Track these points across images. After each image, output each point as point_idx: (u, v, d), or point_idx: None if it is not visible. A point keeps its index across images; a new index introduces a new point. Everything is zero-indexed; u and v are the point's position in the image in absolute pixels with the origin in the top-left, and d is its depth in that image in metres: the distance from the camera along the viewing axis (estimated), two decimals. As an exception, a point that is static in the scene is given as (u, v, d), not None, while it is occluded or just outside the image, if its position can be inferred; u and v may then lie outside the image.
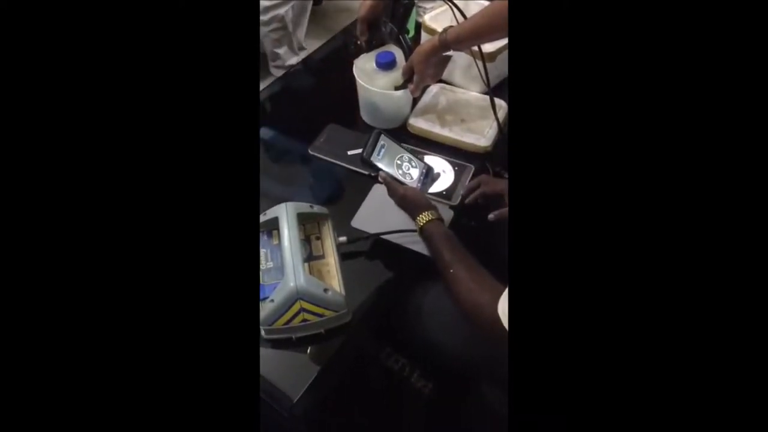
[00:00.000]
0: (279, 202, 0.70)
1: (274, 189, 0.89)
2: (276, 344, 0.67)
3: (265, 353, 0.66)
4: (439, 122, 0.92)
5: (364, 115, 0.95)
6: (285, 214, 0.67)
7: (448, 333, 0.79)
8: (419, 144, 0.91)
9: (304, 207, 0.71)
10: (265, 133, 1.00)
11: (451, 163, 0.86)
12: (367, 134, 0.91)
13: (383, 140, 0.72)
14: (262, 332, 0.65)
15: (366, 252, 0.77)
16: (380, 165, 0.70)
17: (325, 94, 1.08)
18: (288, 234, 0.65)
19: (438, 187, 0.83)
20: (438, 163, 0.87)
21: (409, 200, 0.69)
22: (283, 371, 0.66)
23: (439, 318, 0.79)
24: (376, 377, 0.95)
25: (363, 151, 0.70)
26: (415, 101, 0.94)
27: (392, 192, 0.71)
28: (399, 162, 0.72)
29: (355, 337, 0.73)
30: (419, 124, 0.92)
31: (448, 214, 0.80)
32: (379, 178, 0.74)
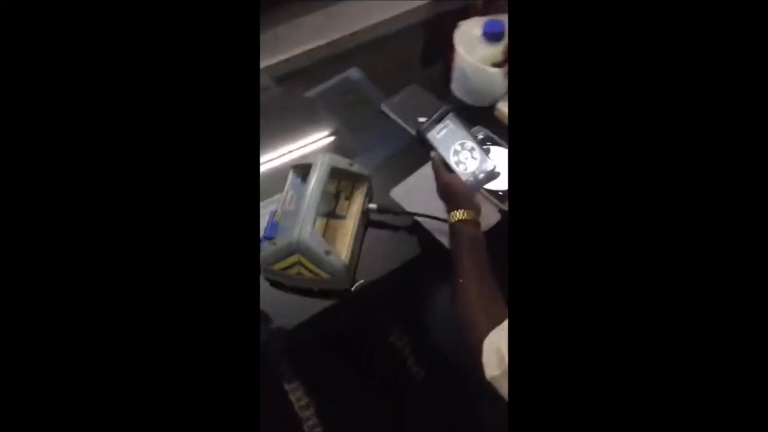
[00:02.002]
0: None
1: (340, 133, 0.87)
2: (274, 284, 0.67)
3: (264, 287, 0.67)
4: (530, 116, 0.82)
5: (453, 84, 0.88)
6: (319, 164, 0.65)
7: (455, 335, 0.75)
8: (499, 132, 0.82)
9: (343, 162, 0.68)
10: (352, 73, 0.96)
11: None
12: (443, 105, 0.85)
13: (450, 120, 0.66)
14: (262, 270, 0.66)
15: (393, 227, 0.74)
16: (435, 145, 0.64)
17: (424, 50, 1.01)
18: (313, 185, 0.63)
19: (498, 185, 0.75)
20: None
21: (450, 190, 0.63)
22: (279, 308, 0.67)
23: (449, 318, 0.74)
24: (373, 346, 0.95)
25: (423, 124, 0.65)
26: (512, 85, 0.85)
27: (437, 176, 0.65)
28: (458, 148, 0.65)
29: (358, 301, 0.71)
30: (507, 110, 0.83)
31: (495, 217, 0.73)
32: (431, 158, 0.68)
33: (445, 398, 0.87)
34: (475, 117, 0.85)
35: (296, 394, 0.91)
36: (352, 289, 0.69)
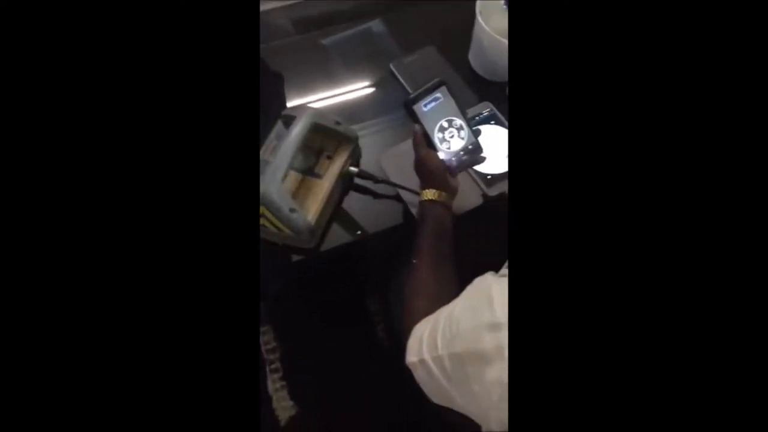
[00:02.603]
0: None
1: (355, 91, 0.84)
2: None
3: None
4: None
5: (470, 53, 0.83)
6: (301, 119, 0.63)
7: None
8: (508, 112, 0.77)
9: (328, 120, 0.66)
10: (376, 25, 0.92)
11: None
12: (457, 75, 0.80)
13: (441, 93, 0.62)
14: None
15: (375, 193, 0.72)
16: (420, 117, 0.61)
17: (456, 12, 0.95)
18: (290, 139, 0.62)
19: (488, 168, 0.72)
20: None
21: (424, 167, 0.61)
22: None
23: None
24: (348, 306, 0.96)
25: (410, 94, 0.62)
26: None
27: (416, 150, 0.63)
28: (445, 125, 0.62)
29: (327, 259, 0.72)
30: (521, 90, 0.77)
31: (476, 201, 0.70)
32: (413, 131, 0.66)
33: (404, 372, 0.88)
34: (486, 91, 0.80)
35: (266, 337, 0.95)
36: (358, 232, 0.70)
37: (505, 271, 0.45)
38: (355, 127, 0.77)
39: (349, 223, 0.71)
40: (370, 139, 0.76)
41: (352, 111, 0.80)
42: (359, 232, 0.70)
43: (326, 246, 0.69)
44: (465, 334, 0.40)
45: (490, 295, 0.38)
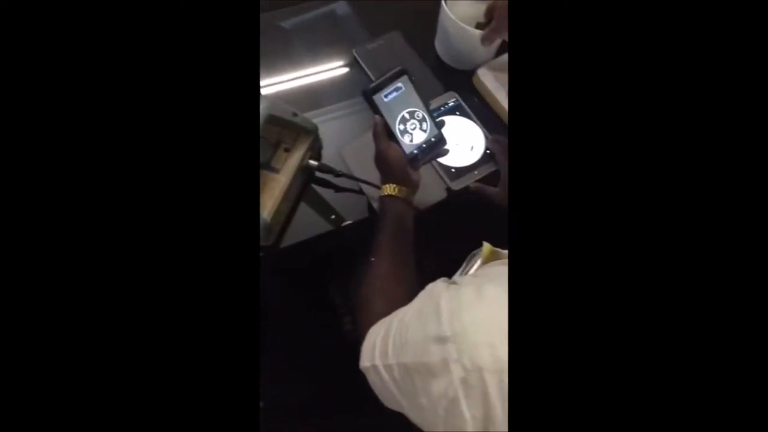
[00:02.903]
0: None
1: (315, 75, 0.81)
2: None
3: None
4: (510, 90, 0.75)
5: (436, 41, 0.80)
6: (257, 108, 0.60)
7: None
8: (473, 102, 0.76)
9: (284, 111, 0.63)
10: (340, 6, 0.88)
11: (488, 144, 0.72)
12: (422, 63, 0.77)
13: (403, 83, 0.59)
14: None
15: (336, 187, 0.70)
16: (381, 108, 0.59)
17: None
18: (244, 131, 0.59)
19: (452, 161, 0.70)
20: (474, 136, 0.72)
21: (384, 161, 0.59)
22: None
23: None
24: (310, 299, 0.94)
25: (371, 83, 0.59)
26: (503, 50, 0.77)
27: (376, 142, 0.60)
28: (407, 116, 0.60)
29: (286, 256, 0.69)
30: (487, 80, 0.75)
31: (439, 195, 0.69)
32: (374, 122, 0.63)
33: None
34: (452, 79, 0.78)
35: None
36: (342, 225, 0.68)
37: (457, 278, 0.44)
38: (315, 113, 0.74)
39: (310, 218, 0.68)
40: (331, 125, 0.74)
41: (313, 97, 0.77)
42: (333, 217, 0.68)
43: (287, 242, 0.67)
44: (413, 344, 0.38)
45: (438, 305, 0.37)
